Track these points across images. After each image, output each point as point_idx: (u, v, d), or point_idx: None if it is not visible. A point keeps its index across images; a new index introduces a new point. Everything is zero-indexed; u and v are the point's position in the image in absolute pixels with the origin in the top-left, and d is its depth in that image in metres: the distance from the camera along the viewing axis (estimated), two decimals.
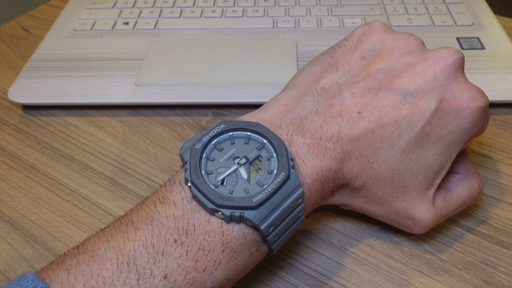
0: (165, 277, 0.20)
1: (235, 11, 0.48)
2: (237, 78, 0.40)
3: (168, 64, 0.42)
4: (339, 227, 0.30)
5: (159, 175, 0.34)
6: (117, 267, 0.20)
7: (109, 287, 0.19)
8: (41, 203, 0.32)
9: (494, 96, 0.37)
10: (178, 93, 0.39)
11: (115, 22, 0.48)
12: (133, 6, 0.50)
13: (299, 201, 0.23)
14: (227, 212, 0.21)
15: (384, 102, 0.24)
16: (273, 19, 0.47)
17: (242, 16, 0.48)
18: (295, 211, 0.23)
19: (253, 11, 0.48)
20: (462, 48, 0.42)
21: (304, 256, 0.28)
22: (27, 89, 0.40)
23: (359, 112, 0.24)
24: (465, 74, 0.40)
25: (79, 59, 0.43)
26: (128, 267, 0.20)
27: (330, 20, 0.47)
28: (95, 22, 0.48)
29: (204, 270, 0.21)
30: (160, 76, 0.40)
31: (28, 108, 0.40)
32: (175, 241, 0.20)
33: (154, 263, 0.20)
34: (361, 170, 0.25)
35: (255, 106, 0.33)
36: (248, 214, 0.21)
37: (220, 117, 0.39)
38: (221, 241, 0.21)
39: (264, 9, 0.49)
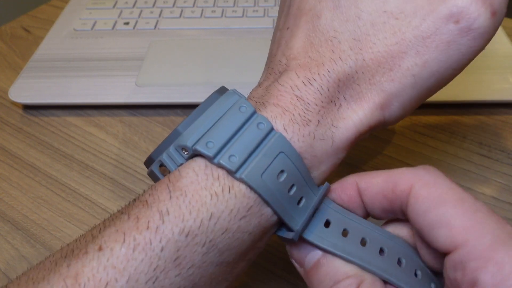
0: None
1: (235, 11, 0.48)
2: (237, 78, 0.40)
3: (168, 64, 0.42)
4: None
5: None
6: None
7: None
8: (41, 203, 0.32)
9: (494, 96, 0.37)
10: (178, 93, 0.39)
11: (116, 22, 0.48)
12: (134, 6, 0.50)
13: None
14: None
15: None
16: (273, 19, 0.47)
17: (242, 16, 0.48)
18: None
19: (253, 11, 0.48)
20: None
21: None
22: (27, 89, 0.40)
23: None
24: (464, 74, 0.40)
25: (80, 59, 0.43)
26: None
27: None
28: (95, 22, 0.48)
29: None
30: (160, 76, 0.40)
31: (28, 108, 0.40)
32: None
33: None
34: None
35: None
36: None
37: None
38: None
39: (264, 9, 0.49)
